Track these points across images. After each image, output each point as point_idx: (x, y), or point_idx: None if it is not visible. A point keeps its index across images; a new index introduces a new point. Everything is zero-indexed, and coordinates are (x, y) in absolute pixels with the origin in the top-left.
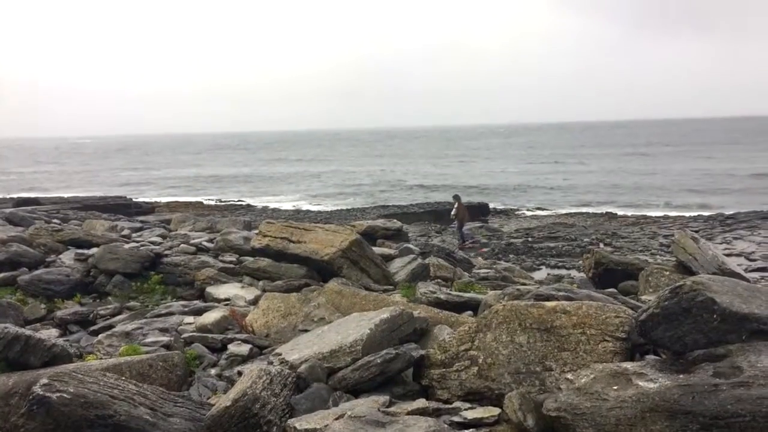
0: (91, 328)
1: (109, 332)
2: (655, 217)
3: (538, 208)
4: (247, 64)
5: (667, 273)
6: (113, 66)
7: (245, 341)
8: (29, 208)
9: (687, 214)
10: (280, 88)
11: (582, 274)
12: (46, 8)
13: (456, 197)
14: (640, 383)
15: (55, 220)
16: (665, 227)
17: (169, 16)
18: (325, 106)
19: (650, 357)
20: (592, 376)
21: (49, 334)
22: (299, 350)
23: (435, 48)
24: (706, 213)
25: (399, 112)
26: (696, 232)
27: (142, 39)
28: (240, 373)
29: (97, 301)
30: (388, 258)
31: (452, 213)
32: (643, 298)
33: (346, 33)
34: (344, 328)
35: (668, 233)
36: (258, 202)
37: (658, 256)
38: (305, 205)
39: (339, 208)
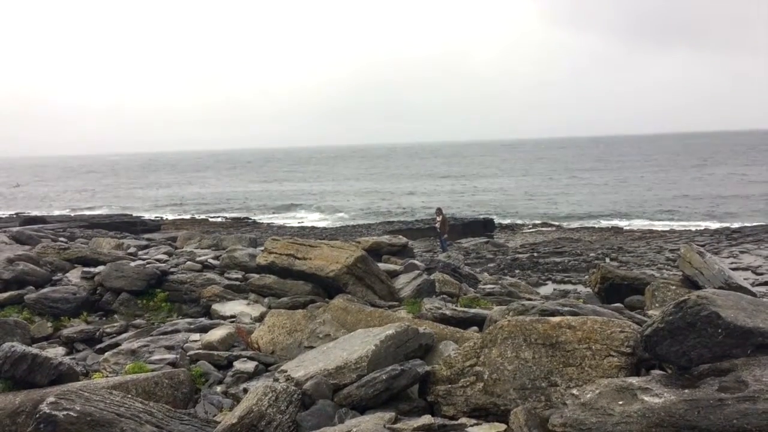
0: (98, 346)
1: (115, 350)
2: (661, 231)
3: (544, 224)
4: (245, 80)
5: (674, 287)
6: (105, 84)
7: (251, 358)
8: (36, 226)
9: (693, 228)
10: (278, 105)
11: (588, 289)
12: (60, 30)
13: (438, 210)
14: (646, 398)
15: (61, 239)
16: (671, 241)
17: (173, 34)
18: (323, 122)
19: (655, 372)
20: (597, 391)
21: (55, 352)
22: (305, 367)
23: (432, 64)
24: (712, 227)
25: (397, 128)
26: (702, 246)
27: (136, 56)
28: (246, 390)
29: (104, 319)
30: (394, 274)
31: (437, 226)
32: (650, 312)
33: (344, 48)
34: (350, 345)
35: (674, 247)
36: (263, 218)
37: (664, 271)
38: (310, 222)
39: (344, 224)
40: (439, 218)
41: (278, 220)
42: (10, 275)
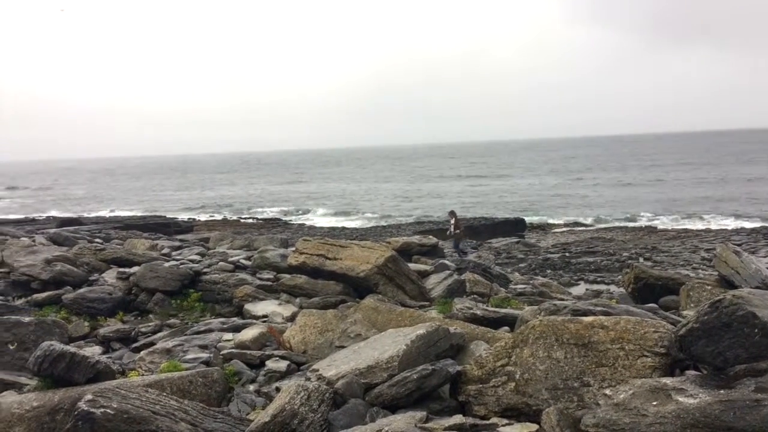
0: (133, 345)
1: (150, 349)
2: (697, 230)
3: (575, 223)
4: (271, 82)
5: (709, 288)
6: (131, 86)
7: (283, 357)
8: (72, 228)
9: (729, 227)
10: (303, 107)
11: (621, 290)
12: (83, 33)
13: (451, 213)
14: (680, 399)
15: (97, 240)
16: (707, 241)
17: (199, 37)
18: (347, 123)
19: (690, 372)
20: (631, 391)
21: (92, 351)
22: (336, 366)
23: (454, 64)
24: (749, 226)
25: (420, 128)
26: (739, 245)
27: (155, 60)
28: (278, 389)
29: (139, 318)
30: (424, 274)
31: (451, 229)
32: (685, 313)
33: (367, 49)
34: (381, 344)
35: (710, 247)
36: (294, 219)
37: (699, 271)
38: (341, 222)
39: (374, 224)
40: (452, 221)
41: (309, 220)
42: (49, 276)
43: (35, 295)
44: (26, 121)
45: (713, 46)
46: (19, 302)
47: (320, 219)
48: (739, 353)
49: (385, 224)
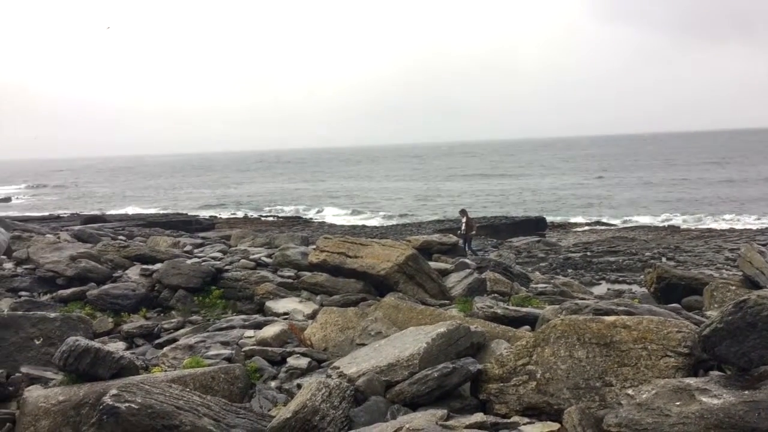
0: (156, 341)
1: (173, 345)
2: (721, 230)
3: (597, 222)
4: (294, 81)
5: (733, 288)
6: (155, 86)
7: (304, 355)
8: (96, 225)
9: (754, 227)
10: (325, 104)
11: (644, 289)
12: (103, 35)
13: (462, 212)
14: (704, 399)
15: (120, 237)
16: (731, 241)
17: (217, 39)
18: (369, 121)
19: (714, 373)
20: (653, 391)
21: (116, 347)
22: (357, 364)
23: (479, 62)
24: None
25: (444, 126)
26: (763, 245)
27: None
28: (299, 386)
29: (162, 314)
30: (444, 273)
31: (462, 228)
32: (708, 313)
33: (390, 47)
34: (401, 342)
35: (734, 247)
36: (314, 217)
37: (723, 271)
38: (361, 221)
39: (394, 223)
40: (463, 219)
41: (328, 218)
42: (74, 272)
43: (60, 291)
44: (51, 120)
45: (741, 43)
46: (44, 298)
47: (340, 217)
48: (764, 354)
49: (405, 223)
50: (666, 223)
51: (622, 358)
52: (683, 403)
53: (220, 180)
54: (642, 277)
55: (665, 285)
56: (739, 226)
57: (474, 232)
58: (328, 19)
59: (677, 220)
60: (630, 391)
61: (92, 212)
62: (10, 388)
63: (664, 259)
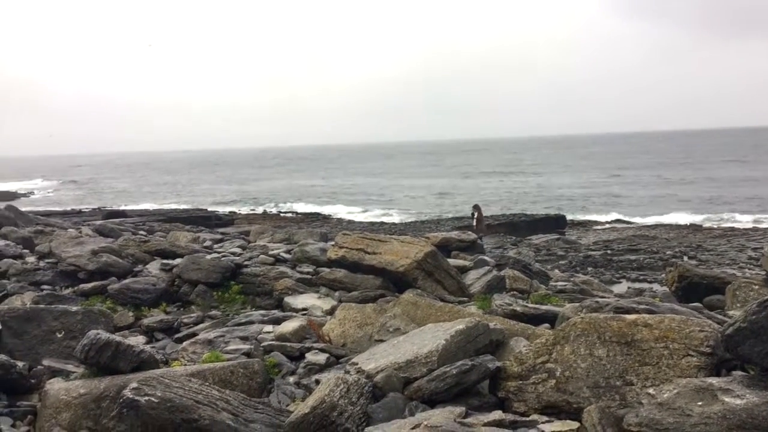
0: (176, 336)
1: (192, 340)
2: (743, 229)
3: (617, 220)
4: (309, 78)
5: (756, 287)
6: (173, 82)
7: (322, 350)
8: (117, 220)
9: None
10: (328, 102)
11: (665, 288)
12: (125, 28)
13: (475, 207)
14: (727, 399)
15: (141, 232)
16: (754, 240)
17: (232, 35)
18: (377, 119)
19: (737, 373)
20: (675, 391)
21: (136, 340)
22: (375, 360)
23: (489, 59)
24: None
25: (454, 123)
26: None
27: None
28: (317, 382)
29: (181, 309)
30: (463, 270)
31: (473, 224)
32: (731, 313)
33: (400, 44)
34: (420, 339)
35: (757, 246)
36: (333, 213)
37: (746, 270)
38: (379, 217)
39: (413, 219)
40: (475, 215)
41: (346, 215)
42: (95, 266)
43: (82, 285)
44: (72, 116)
45: (762, 39)
46: (66, 292)
47: (359, 214)
48: None
49: (423, 219)
50: (688, 222)
51: (643, 357)
52: (705, 403)
53: (235, 176)
54: (663, 275)
55: (687, 284)
56: (762, 225)
57: (483, 226)
58: (333, 17)
59: (699, 218)
60: (651, 391)
61: (113, 207)
62: (32, 381)
63: (685, 258)
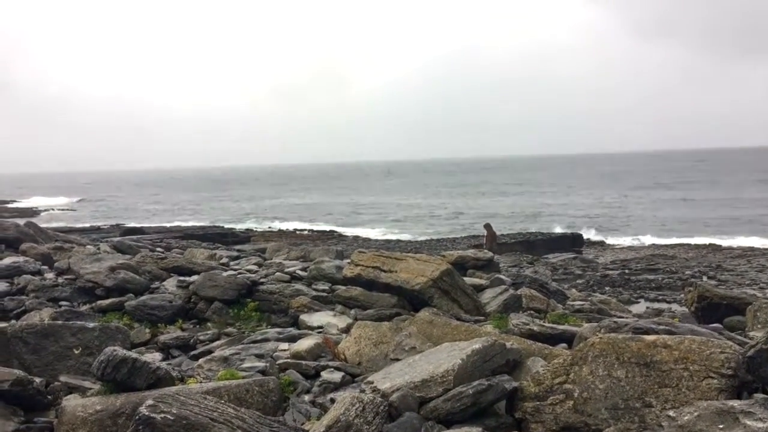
0: (192, 353)
1: (208, 357)
2: (764, 248)
3: (636, 239)
4: (325, 94)
5: None
6: (187, 97)
7: (338, 369)
8: (135, 237)
9: None
10: (353, 117)
11: (684, 309)
12: (139, 43)
13: (486, 226)
14: (748, 422)
15: (158, 249)
16: None
17: (247, 49)
18: (395, 136)
19: (759, 395)
20: (696, 413)
21: (152, 357)
22: (391, 379)
23: (508, 78)
24: None
25: (474, 140)
26: None
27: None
28: (333, 400)
29: (197, 326)
30: (480, 288)
31: (484, 242)
32: (751, 334)
33: (416, 58)
34: (435, 358)
35: None
36: (349, 231)
37: (767, 291)
38: (395, 235)
39: (429, 238)
40: (486, 233)
41: (362, 232)
42: (112, 283)
43: (99, 302)
44: (84, 131)
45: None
46: (84, 308)
47: (375, 231)
48: None
49: (439, 238)
50: (707, 241)
51: (663, 379)
52: (726, 426)
53: (251, 194)
54: (682, 296)
55: (706, 304)
56: None
57: (493, 245)
58: (351, 31)
59: (719, 238)
60: (671, 413)
61: (131, 224)
62: (49, 397)
63: (705, 278)
